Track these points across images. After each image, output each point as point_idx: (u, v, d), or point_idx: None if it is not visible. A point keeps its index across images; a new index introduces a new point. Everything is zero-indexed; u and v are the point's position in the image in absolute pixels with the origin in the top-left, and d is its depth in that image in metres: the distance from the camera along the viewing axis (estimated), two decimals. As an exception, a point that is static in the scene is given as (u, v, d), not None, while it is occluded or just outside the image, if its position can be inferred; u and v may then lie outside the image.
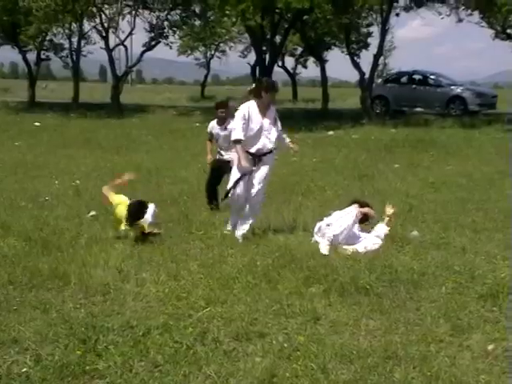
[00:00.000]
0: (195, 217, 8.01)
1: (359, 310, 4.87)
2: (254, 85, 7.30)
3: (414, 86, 26.79)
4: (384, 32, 27.23)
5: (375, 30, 31.16)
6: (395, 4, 27.08)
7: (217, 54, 51.86)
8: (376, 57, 27.40)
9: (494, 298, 5.05)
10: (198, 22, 32.49)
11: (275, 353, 4.05)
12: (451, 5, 26.22)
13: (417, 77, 27.63)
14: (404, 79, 28.08)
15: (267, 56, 27.13)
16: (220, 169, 8.68)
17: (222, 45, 49.91)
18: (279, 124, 7.23)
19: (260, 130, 6.97)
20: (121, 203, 6.96)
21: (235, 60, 48.98)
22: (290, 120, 24.45)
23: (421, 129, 20.44)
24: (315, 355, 4.01)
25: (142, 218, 6.81)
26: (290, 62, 49.21)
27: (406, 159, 14.07)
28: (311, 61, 44.48)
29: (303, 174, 12.04)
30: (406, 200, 9.26)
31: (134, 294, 5.19)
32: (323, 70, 32.95)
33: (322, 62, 33.53)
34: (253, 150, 6.98)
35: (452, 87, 26.05)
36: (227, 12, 25.60)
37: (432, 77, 27.19)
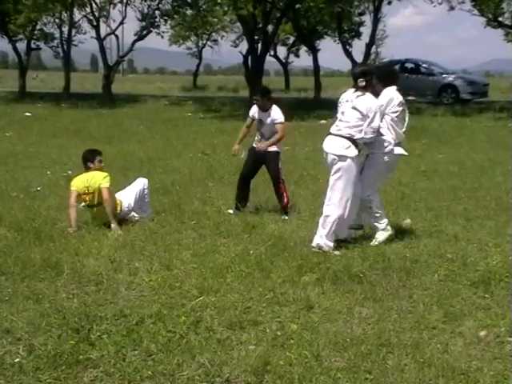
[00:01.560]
0: (187, 206, 8.00)
1: (352, 297, 4.88)
2: (362, 81, 6.25)
3: (406, 74, 26.74)
4: (376, 21, 27.25)
5: (367, 18, 31.15)
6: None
7: (209, 43, 51.59)
8: (368, 45, 27.43)
9: (486, 284, 5.08)
10: (189, 11, 32.27)
11: (269, 341, 4.06)
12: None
13: (409, 65, 27.62)
14: (396, 68, 28.05)
15: (259, 45, 27.04)
16: (257, 161, 7.94)
17: (213, 34, 49.62)
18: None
19: None
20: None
21: (227, 49, 48.83)
22: (282, 109, 24.45)
23: (413, 117, 20.21)
24: (309, 343, 4.02)
25: (92, 162, 7.13)
26: (282, 51, 49.08)
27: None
28: (303, 50, 44.44)
29: (296, 163, 12.04)
30: (398, 188, 9.27)
31: (127, 284, 5.19)
32: (315, 59, 32.88)
33: (314, 51, 33.45)
34: None
35: (444, 75, 26.08)
36: (219, 1, 25.47)
37: (424, 65, 27.21)
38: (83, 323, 4.27)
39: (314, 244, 6.19)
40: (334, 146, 6.29)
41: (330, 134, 6.40)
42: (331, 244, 6.15)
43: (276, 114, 7.74)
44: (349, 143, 6.19)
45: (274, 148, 7.79)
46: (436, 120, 19.60)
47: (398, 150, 6.41)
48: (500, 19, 25.51)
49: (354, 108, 6.21)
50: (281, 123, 7.68)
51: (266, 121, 7.75)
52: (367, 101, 6.21)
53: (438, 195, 8.81)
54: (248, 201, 8.00)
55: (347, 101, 6.31)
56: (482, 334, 4.18)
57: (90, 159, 7.21)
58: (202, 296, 4.82)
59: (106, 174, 7.07)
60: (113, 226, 6.82)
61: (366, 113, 6.15)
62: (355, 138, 6.18)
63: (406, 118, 6.53)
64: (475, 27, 28.41)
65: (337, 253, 6.03)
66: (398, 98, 6.41)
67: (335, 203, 6.24)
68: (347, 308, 4.67)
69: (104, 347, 3.93)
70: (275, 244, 6.21)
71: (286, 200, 7.80)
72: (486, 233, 6.71)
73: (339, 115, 6.37)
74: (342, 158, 6.20)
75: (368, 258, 5.76)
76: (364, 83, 6.25)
